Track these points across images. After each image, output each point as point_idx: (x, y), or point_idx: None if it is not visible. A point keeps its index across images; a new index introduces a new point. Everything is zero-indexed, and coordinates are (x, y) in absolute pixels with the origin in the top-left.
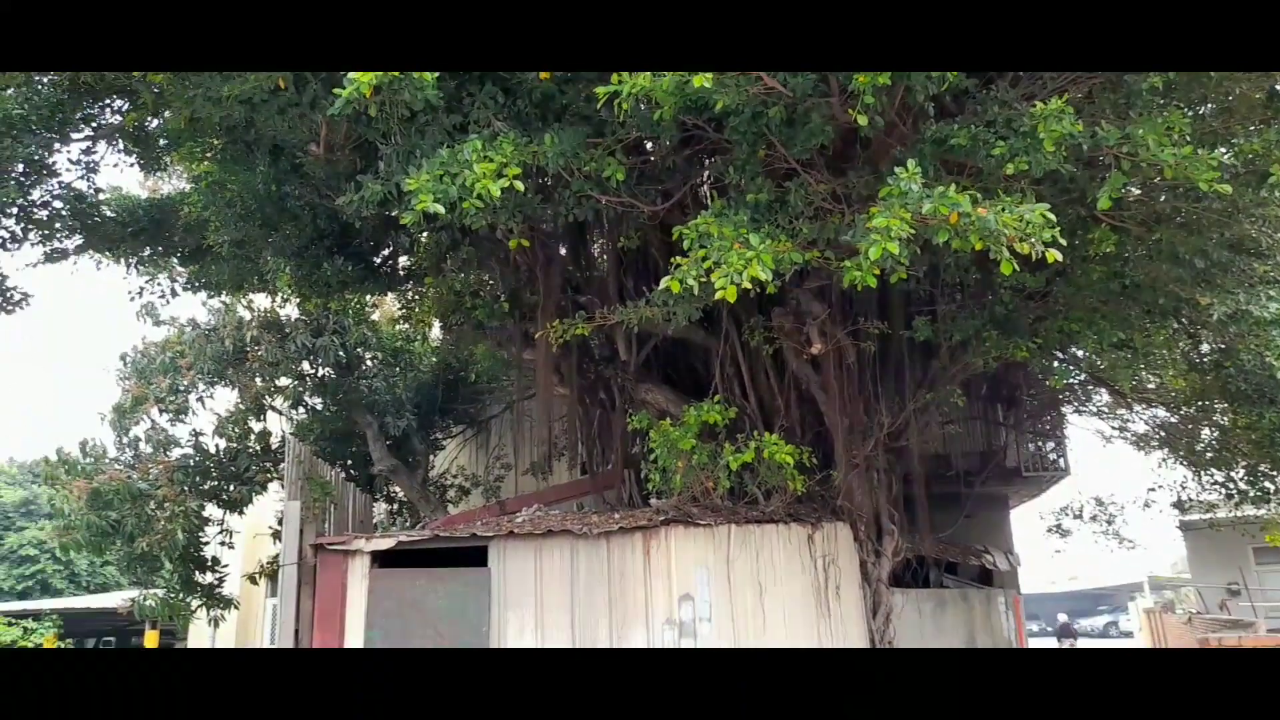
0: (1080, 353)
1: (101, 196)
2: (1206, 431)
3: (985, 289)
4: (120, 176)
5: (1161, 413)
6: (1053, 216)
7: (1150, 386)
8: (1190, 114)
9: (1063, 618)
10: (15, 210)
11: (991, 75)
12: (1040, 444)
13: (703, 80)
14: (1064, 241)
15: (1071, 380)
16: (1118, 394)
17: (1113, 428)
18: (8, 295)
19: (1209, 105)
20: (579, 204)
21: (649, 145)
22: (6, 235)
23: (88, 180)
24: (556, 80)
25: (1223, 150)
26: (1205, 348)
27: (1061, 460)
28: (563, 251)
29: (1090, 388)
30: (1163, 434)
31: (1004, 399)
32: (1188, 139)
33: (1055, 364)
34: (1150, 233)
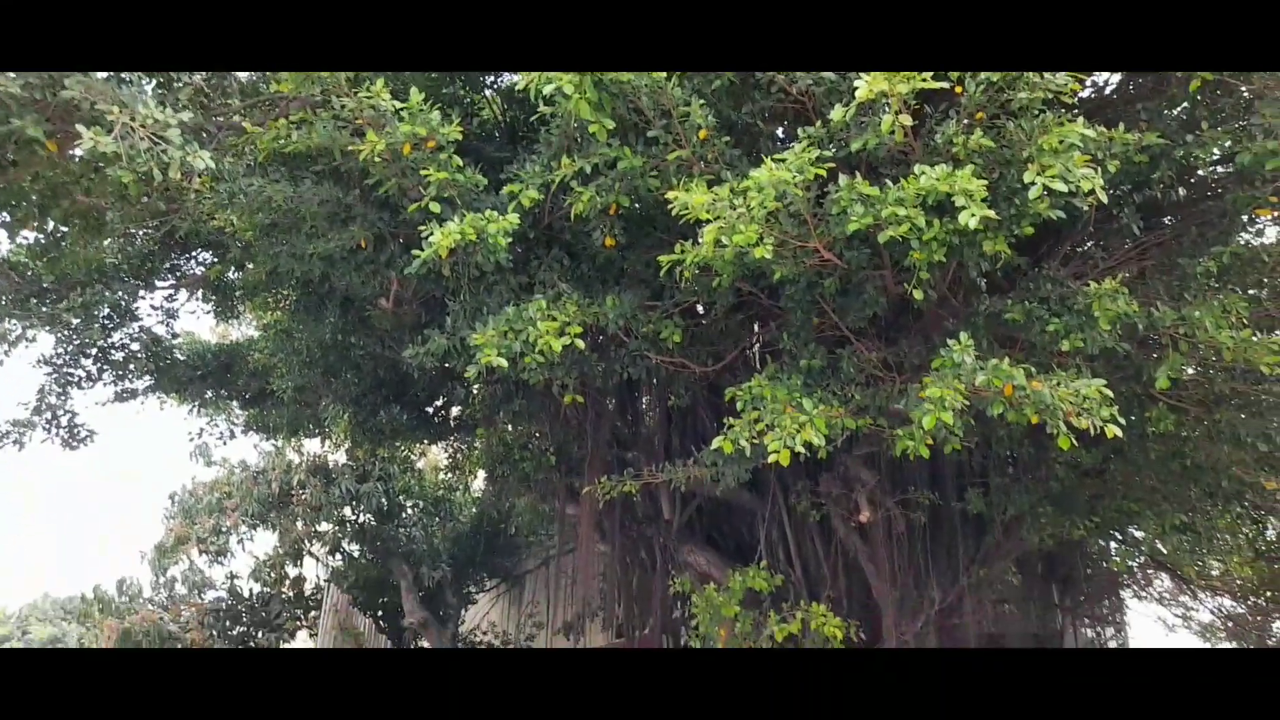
0: (1140, 534)
1: (175, 341)
2: (1278, 625)
3: (1039, 463)
4: (195, 322)
5: (1228, 602)
6: (1109, 392)
7: (1215, 573)
8: (1246, 297)
9: None
10: (94, 351)
11: (1041, 253)
12: (1099, 629)
13: (763, 252)
14: (1121, 419)
15: (1132, 563)
16: (1180, 580)
17: (1176, 615)
18: (74, 432)
19: (1264, 289)
20: (634, 363)
21: (701, 309)
22: (83, 375)
23: (166, 325)
24: (619, 247)
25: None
26: (1272, 534)
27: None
28: (612, 407)
29: (1150, 572)
30: (1230, 624)
31: (1060, 579)
32: (1245, 322)
33: (1114, 545)
34: (1209, 413)
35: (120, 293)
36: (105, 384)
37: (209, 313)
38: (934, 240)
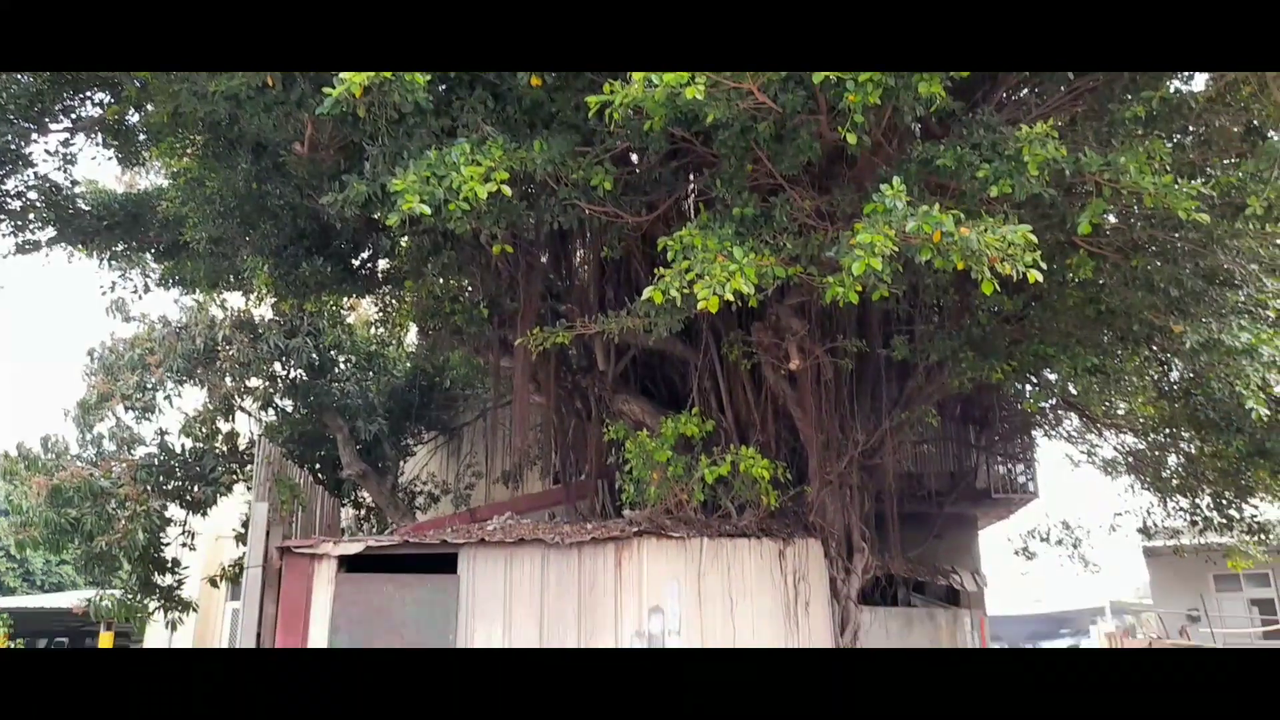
0: (1053, 377)
1: (77, 189)
2: (1173, 459)
3: (963, 310)
4: (97, 170)
5: (1130, 439)
6: (1034, 238)
7: (1120, 412)
8: (1170, 144)
9: None
10: None
11: (976, 99)
12: (1010, 466)
13: (694, 92)
14: (1044, 265)
15: (1044, 404)
16: (1088, 419)
17: (1081, 452)
18: None
19: (1189, 136)
20: (564, 212)
21: (635, 156)
22: None
23: (64, 172)
24: (546, 88)
25: (1200, 181)
26: (1175, 375)
27: (1031, 483)
28: (544, 259)
29: (1061, 412)
30: (1130, 460)
31: (976, 420)
32: (1168, 168)
33: (1029, 387)
34: (1127, 260)
35: (9, 135)
36: (4, 235)
37: (111, 159)
38: (869, 82)
